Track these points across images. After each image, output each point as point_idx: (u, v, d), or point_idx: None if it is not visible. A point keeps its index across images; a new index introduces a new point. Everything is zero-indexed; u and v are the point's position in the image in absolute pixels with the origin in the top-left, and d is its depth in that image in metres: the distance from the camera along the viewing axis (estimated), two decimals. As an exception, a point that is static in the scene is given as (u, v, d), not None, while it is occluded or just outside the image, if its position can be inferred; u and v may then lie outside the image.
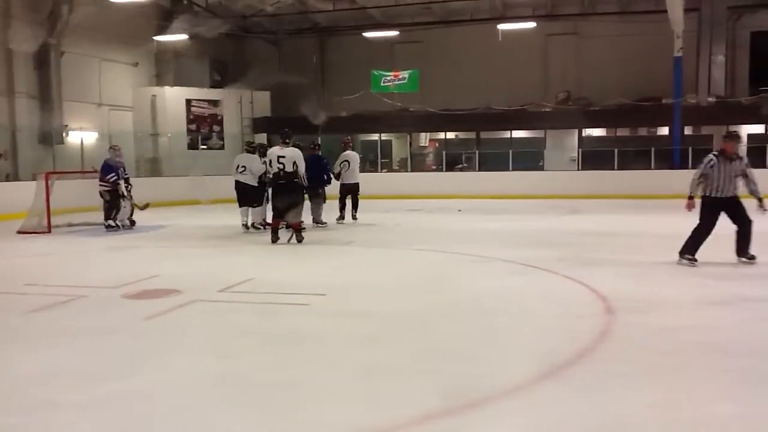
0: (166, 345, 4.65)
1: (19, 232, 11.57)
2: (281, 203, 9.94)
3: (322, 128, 23.13)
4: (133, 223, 12.31)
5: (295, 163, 9.80)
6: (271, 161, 9.95)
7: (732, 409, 3.36)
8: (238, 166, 11.61)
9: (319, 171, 11.71)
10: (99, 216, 12.20)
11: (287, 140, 10.01)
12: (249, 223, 11.63)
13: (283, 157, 9.81)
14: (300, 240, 9.87)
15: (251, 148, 12.03)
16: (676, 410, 3.32)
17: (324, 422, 3.26)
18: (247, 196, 11.52)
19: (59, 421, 3.36)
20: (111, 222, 11.96)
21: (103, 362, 4.26)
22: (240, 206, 11.69)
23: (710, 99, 22.14)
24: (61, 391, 3.73)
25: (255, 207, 11.60)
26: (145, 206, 12.82)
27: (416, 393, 3.59)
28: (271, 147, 10.90)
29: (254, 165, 11.42)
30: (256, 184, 11.43)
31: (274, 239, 9.93)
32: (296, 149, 10.08)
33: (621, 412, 3.32)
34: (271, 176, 10.17)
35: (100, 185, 11.98)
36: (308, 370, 4.03)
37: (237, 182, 11.58)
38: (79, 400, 3.59)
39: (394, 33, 24.73)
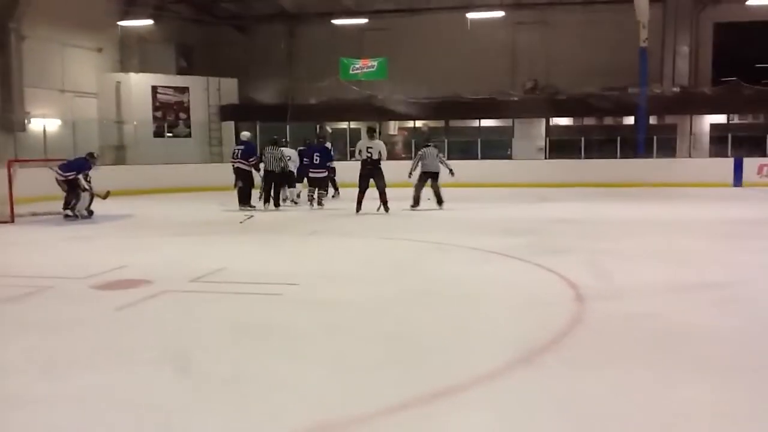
0: (133, 337, 4.56)
1: (-19, 222, 11.31)
2: (366, 183, 12.20)
3: (290, 116, 23.01)
4: (90, 213, 12.09)
5: (380, 152, 12.06)
6: (360, 150, 12.15)
7: (700, 395, 3.44)
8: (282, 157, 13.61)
9: (329, 160, 13.86)
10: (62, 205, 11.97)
11: (374, 134, 12.60)
12: (287, 198, 14.03)
13: (371, 147, 12.07)
14: (387, 210, 12.14)
15: (278, 142, 14.14)
16: (646, 395, 3.39)
17: (288, 416, 3.20)
18: (284, 179, 13.81)
19: (14, 417, 3.22)
20: (68, 211, 11.78)
21: (67, 355, 4.15)
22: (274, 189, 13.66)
23: (675, 89, 22.50)
24: (19, 386, 3.61)
25: (290, 188, 14.12)
26: (107, 195, 12.60)
27: (386, 383, 3.59)
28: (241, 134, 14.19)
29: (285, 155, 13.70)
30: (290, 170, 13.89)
31: (358, 209, 12.15)
32: (381, 142, 12.50)
33: (593, 399, 3.37)
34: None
35: (58, 176, 11.76)
36: (274, 362, 3.98)
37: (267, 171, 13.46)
38: (37, 395, 3.46)
39: (363, 20, 24.60)
